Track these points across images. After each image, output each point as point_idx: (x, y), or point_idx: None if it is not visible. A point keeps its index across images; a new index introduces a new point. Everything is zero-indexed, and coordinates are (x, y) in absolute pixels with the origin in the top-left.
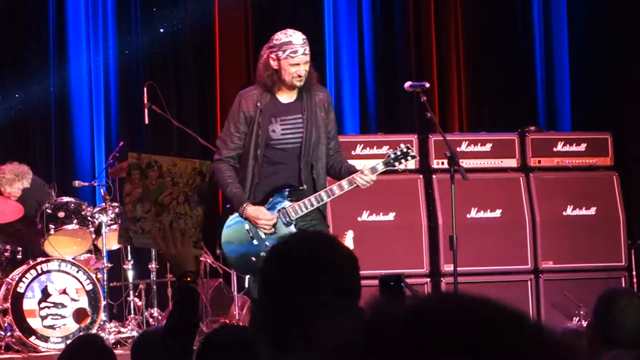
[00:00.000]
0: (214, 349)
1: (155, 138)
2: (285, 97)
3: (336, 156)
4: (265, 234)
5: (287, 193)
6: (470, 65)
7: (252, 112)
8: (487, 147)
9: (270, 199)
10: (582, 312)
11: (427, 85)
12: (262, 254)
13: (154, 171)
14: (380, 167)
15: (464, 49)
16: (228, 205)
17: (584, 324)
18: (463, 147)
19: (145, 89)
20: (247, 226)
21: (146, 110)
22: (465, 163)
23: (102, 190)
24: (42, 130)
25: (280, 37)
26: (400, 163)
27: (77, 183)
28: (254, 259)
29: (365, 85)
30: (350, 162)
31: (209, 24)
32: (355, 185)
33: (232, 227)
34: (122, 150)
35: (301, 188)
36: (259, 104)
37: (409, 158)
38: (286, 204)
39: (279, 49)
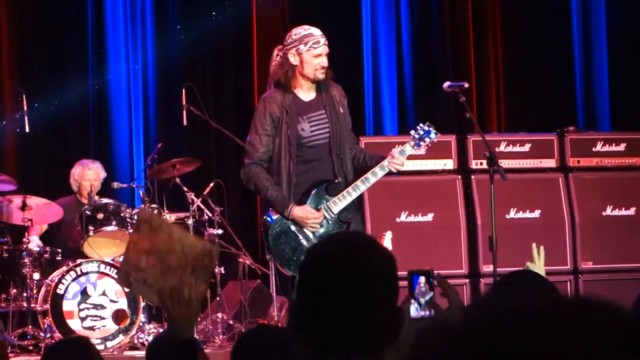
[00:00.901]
0: (248, 349)
1: (193, 139)
2: (305, 94)
3: (355, 147)
4: (313, 232)
5: (325, 188)
6: (509, 65)
7: (278, 113)
8: (526, 148)
9: (310, 197)
10: None
11: (466, 85)
12: None
13: (164, 234)
14: (408, 149)
15: (502, 49)
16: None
17: None
18: (502, 148)
19: (183, 90)
20: (293, 227)
21: (184, 112)
22: (504, 163)
23: (140, 192)
24: (81, 132)
25: (299, 31)
26: (424, 142)
27: (115, 185)
28: None
29: (404, 85)
30: None
31: (246, 25)
32: (387, 170)
33: (278, 231)
34: (161, 152)
35: (337, 181)
36: (283, 105)
37: (432, 135)
38: (327, 199)
39: (300, 42)
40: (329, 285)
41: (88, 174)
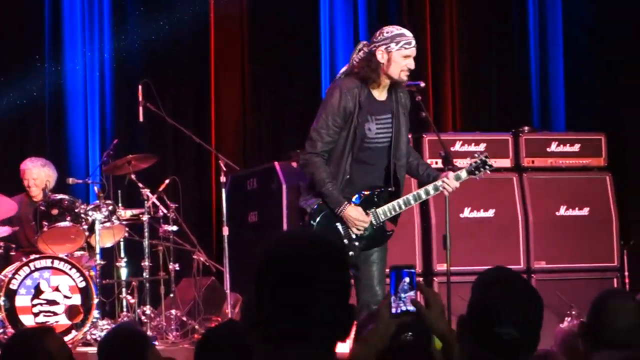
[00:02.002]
0: (213, 346)
1: (150, 136)
2: (379, 94)
3: (411, 154)
4: (356, 235)
5: (377, 194)
6: (465, 64)
7: (352, 107)
8: (481, 147)
9: (360, 199)
10: (574, 313)
11: (422, 84)
12: (351, 253)
13: None
14: (464, 175)
15: (458, 49)
16: (315, 205)
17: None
18: (457, 147)
19: (140, 86)
20: (339, 225)
21: (141, 108)
22: (459, 163)
23: (95, 188)
24: (37, 127)
25: (392, 29)
26: (480, 172)
27: (71, 180)
28: None
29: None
30: None
31: (204, 22)
32: (440, 191)
33: (322, 225)
34: (117, 148)
35: (390, 189)
36: (359, 99)
37: (487, 167)
38: (377, 205)
39: (392, 41)
40: (286, 280)
41: (26, 173)
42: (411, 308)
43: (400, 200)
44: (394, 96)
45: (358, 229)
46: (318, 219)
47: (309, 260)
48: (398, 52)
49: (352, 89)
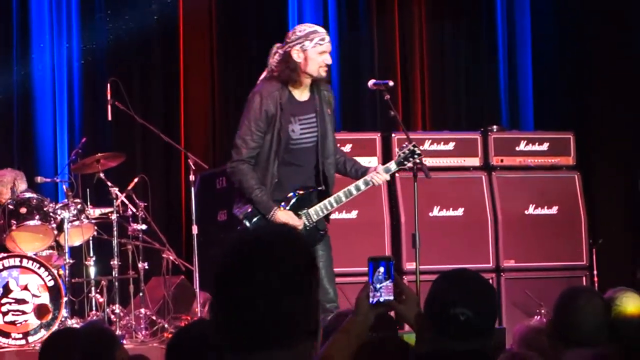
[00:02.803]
0: (184, 346)
1: (118, 134)
2: (299, 94)
3: (338, 151)
4: None
5: (307, 195)
6: (434, 63)
7: (274, 110)
8: (450, 146)
9: (291, 202)
10: (543, 311)
11: (391, 83)
12: None
13: None
14: (393, 167)
15: (427, 47)
16: (249, 210)
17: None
18: (426, 146)
19: (108, 85)
20: None
21: (109, 107)
22: (428, 161)
23: (64, 187)
24: (4, 126)
25: (304, 28)
26: (409, 162)
27: (39, 179)
28: None
29: (330, 82)
30: None
31: (173, 20)
32: (371, 185)
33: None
34: (85, 147)
35: (320, 189)
36: (280, 102)
37: (416, 156)
38: (308, 206)
39: (305, 39)
40: (232, 277)
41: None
42: (388, 298)
43: (332, 199)
44: (316, 95)
45: None
46: (254, 221)
47: (253, 256)
48: (313, 49)
49: (272, 93)
